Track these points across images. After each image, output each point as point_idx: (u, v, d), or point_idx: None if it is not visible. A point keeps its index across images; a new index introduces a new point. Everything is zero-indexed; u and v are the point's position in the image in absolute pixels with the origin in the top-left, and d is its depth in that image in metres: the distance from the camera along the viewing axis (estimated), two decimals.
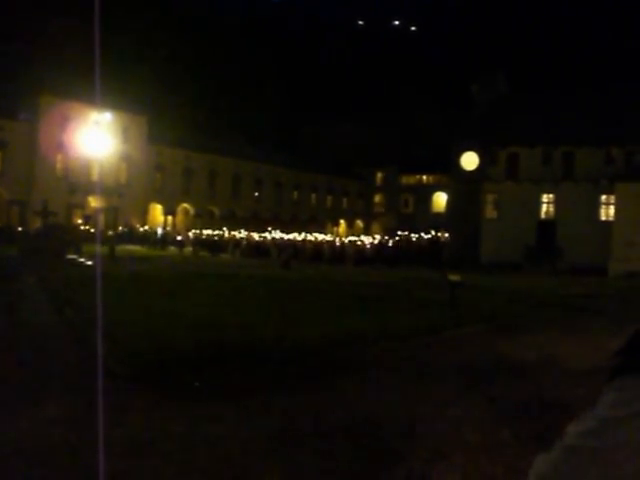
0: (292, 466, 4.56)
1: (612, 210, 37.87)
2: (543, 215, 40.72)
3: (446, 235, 44.81)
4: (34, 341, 8.87)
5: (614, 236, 35.85)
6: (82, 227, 44.43)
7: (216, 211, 62.60)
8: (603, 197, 39.07)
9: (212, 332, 9.11)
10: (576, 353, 9.12)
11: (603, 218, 38.90)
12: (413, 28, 68.66)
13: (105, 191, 50.67)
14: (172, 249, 42.97)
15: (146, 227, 52.14)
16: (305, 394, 6.46)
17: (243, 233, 44.91)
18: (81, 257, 26.34)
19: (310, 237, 42.35)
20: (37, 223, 36.61)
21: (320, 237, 43.24)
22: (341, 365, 7.97)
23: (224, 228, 47.46)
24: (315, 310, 12.43)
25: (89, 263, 22.65)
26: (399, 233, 47.08)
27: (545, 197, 40.64)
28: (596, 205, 39.19)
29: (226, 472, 4.45)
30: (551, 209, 40.50)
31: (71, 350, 8.32)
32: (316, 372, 7.55)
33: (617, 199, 37.12)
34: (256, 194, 66.82)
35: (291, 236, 42.78)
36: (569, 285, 23.01)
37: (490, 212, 41.86)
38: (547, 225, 39.75)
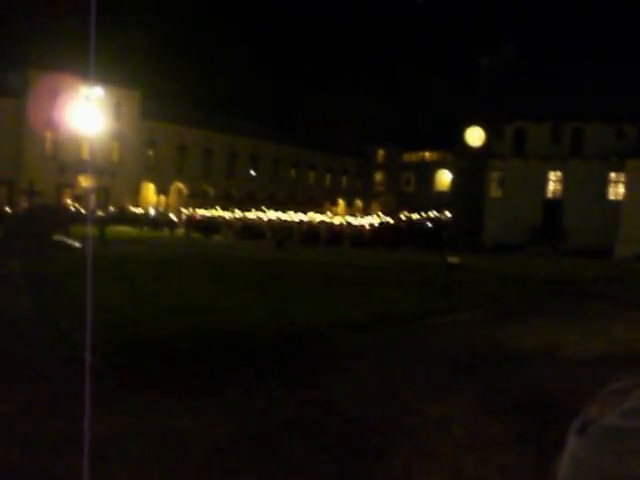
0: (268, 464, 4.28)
1: (622, 189, 36.31)
2: (549, 194, 39.13)
3: (449, 215, 43.31)
4: (6, 326, 8.62)
5: (623, 216, 34.31)
6: (72, 208, 43.18)
7: (211, 191, 61.03)
8: (612, 175, 37.49)
9: (191, 317, 9.08)
10: (574, 341, 8.85)
11: (612, 197, 37.35)
12: None
13: (96, 170, 49.28)
14: (164, 230, 42.17)
15: (138, 208, 50.74)
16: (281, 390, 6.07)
17: (237, 214, 43.67)
18: (70, 239, 25.47)
19: (306, 217, 41.07)
20: (24, 203, 35.63)
21: (317, 217, 41.92)
22: (317, 356, 7.53)
23: (217, 208, 46.24)
24: (299, 295, 12.06)
25: (77, 245, 22.00)
26: (406, 213, 45.49)
27: (552, 175, 39.01)
28: (605, 183, 37.67)
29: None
30: (558, 187, 38.89)
31: (41, 336, 8.02)
32: (292, 363, 7.13)
33: (627, 176, 35.55)
34: (252, 172, 65.03)
35: (287, 216, 41.50)
36: (569, 268, 22.74)
37: (495, 191, 40.37)
38: (553, 204, 38.24)
